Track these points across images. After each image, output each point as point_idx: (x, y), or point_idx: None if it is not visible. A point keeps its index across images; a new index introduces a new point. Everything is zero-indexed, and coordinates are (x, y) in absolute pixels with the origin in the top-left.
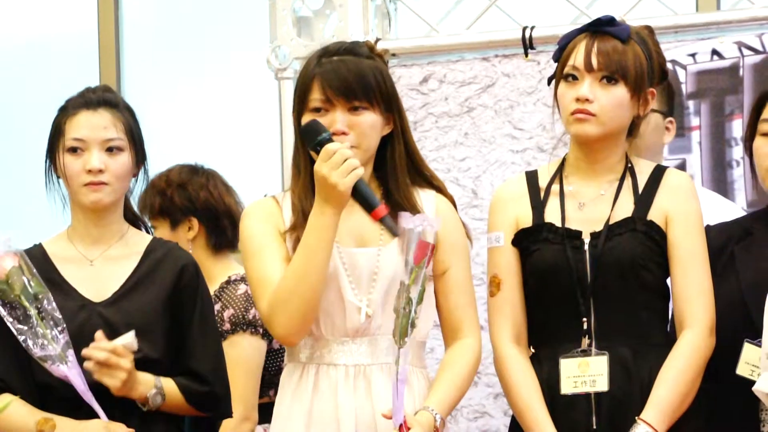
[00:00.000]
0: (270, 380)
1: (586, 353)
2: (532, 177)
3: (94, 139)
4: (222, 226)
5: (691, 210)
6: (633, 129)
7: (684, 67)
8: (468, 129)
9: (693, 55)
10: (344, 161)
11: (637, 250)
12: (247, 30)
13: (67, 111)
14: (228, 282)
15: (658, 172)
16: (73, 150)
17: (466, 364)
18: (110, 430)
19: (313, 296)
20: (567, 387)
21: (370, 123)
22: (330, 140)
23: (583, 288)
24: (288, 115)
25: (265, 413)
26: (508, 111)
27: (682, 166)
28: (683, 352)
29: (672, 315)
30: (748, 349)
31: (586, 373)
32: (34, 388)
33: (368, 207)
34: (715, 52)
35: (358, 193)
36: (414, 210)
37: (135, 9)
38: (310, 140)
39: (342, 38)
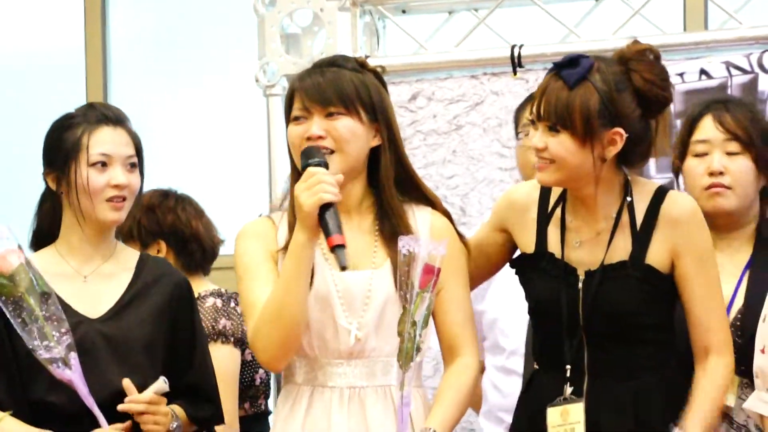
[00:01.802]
0: (243, 393)
1: (566, 401)
2: (544, 195)
3: (118, 156)
4: (189, 250)
5: (699, 241)
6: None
7: (672, 87)
8: (456, 147)
9: (681, 75)
10: (317, 183)
11: (630, 297)
12: (236, 47)
13: (84, 125)
14: (197, 298)
15: (657, 200)
16: (100, 164)
17: (466, 384)
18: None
19: (292, 324)
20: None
21: (348, 128)
22: (317, 165)
23: (573, 330)
24: (276, 132)
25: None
26: (496, 129)
27: (670, 186)
28: (719, 372)
29: (686, 341)
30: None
31: (566, 420)
32: (26, 406)
33: (325, 233)
34: (703, 71)
35: (321, 219)
36: (404, 224)
37: (122, 24)
38: (303, 162)
39: (330, 54)
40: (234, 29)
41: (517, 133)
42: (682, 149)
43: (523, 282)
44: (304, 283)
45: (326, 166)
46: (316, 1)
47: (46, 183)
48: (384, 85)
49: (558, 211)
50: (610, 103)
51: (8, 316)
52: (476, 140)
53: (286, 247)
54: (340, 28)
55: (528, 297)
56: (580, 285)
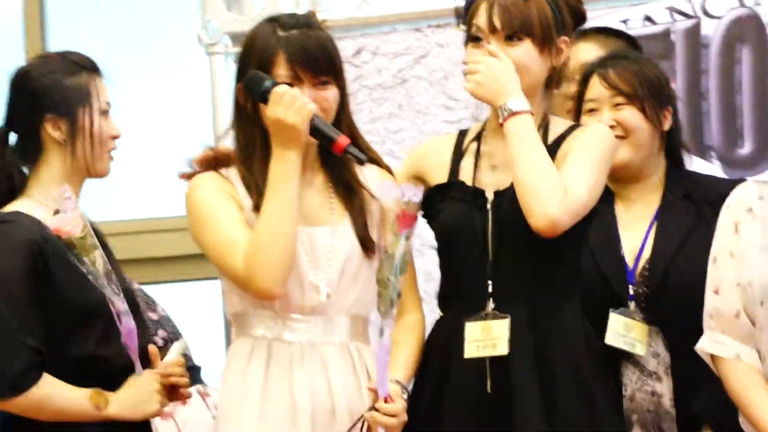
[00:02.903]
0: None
1: (489, 317)
2: (462, 134)
3: (110, 106)
4: None
5: (588, 138)
6: (555, 81)
7: None
8: (402, 101)
9: (625, 22)
10: (294, 100)
11: None
12: (178, 6)
13: (86, 72)
14: None
15: (574, 128)
16: (105, 113)
17: (419, 339)
18: (157, 379)
19: (290, 244)
20: (470, 351)
21: (335, 98)
22: (275, 85)
23: (486, 249)
24: (220, 92)
25: None
26: (442, 81)
27: None
28: None
29: None
30: (614, 319)
31: (488, 336)
32: (66, 362)
33: (328, 141)
34: (647, 17)
35: (315, 130)
36: (357, 181)
37: None
38: (254, 90)
39: (273, 12)
40: None
41: None
42: (578, 107)
43: (431, 215)
44: (296, 200)
45: (276, 83)
46: None
47: (37, 132)
48: None
49: (473, 144)
50: (559, 12)
51: (84, 270)
52: (422, 94)
53: (257, 208)
54: None
55: (436, 227)
56: (489, 206)
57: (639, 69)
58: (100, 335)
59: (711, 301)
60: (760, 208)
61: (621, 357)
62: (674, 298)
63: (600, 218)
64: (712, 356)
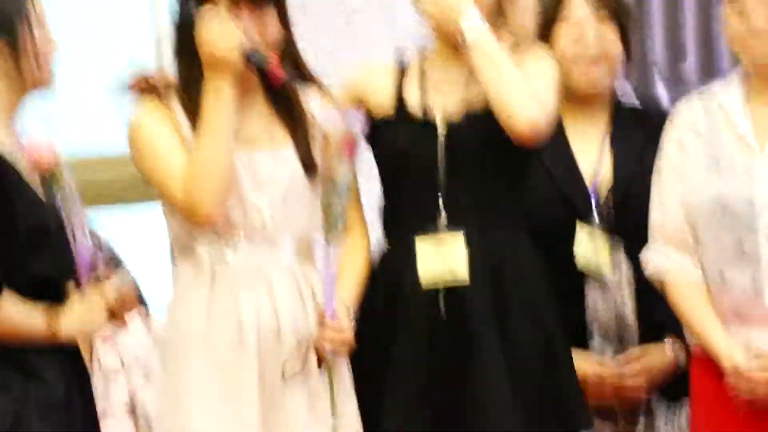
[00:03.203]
0: None
1: (441, 231)
2: (400, 60)
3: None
4: None
5: (541, 55)
6: (506, 7)
7: None
8: (344, 30)
9: None
10: (224, 29)
11: (488, 135)
12: None
13: None
14: None
15: (515, 46)
16: (41, 23)
17: (364, 262)
18: (104, 298)
19: (228, 169)
20: (426, 276)
21: (275, 25)
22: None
23: (436, 175)
24: (163, 19)
25: None
26: (388, 12)
27: None
28: None
29: None
30: (580, 233)
31: (443, 256)
32: (21, 283)
33: (263, 68)
34: None
35: (249, 60)
36: (299, 105)
37: None
38: (188, 19)
39: None
40: None
41: None
42: (549, 18)
43: (375, 140)
44: (231, 130)
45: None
46: None
47: None
48: None
49: (417, 69)
50: None
51: (49, 191)
52: (368, 25)
53: None
54: None
55: (382, 152)
56: (440, 132)
57: None
58: (53, 257)
59: (655, 215)
60: (704, 124)
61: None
62: (638, 212)
63: (551, 140)
64: (656, 267)
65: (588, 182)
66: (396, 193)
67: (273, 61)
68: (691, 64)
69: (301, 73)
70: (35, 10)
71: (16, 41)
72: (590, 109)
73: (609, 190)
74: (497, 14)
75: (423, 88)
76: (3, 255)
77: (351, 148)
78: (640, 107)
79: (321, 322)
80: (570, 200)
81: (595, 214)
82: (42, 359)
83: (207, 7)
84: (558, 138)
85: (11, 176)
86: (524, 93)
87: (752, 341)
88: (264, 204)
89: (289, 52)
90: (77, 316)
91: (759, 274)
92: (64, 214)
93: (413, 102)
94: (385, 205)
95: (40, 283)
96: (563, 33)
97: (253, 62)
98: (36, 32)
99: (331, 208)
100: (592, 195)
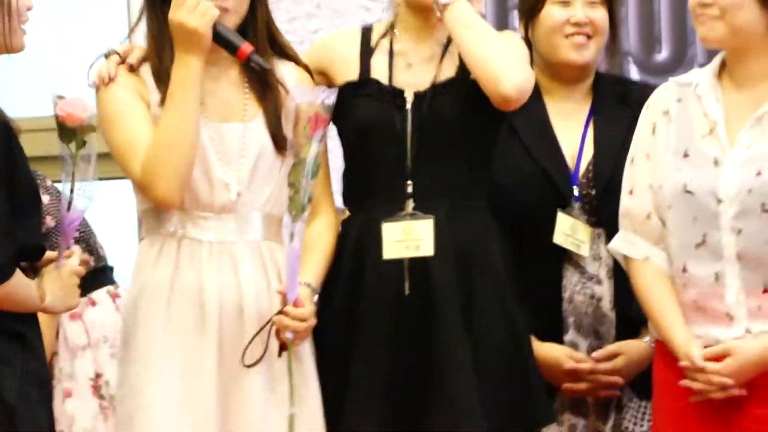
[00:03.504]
0: None
1: (410, 216)
2: (366, 31)
3: None
4: None
5: (506, 35)
6: None
7: None
8: (320, 0)
9: None
10: (197, 4)
11: (459, 108)
12: None
13: None
14: None
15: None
16: None
17: (331, 239)
18: (77, 273)
19: (190, 152)
20: (390, 252)
21: None
22: None
23: (405, 148)
24: None
25: None
26: None
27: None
28: None
29: None
30: (561, 219)
31: (410, 237)
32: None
33: (232, 48)
34: None
35: (218, 37)
36: (276, 82)
37: None
38: None
39: None
40: None
41: None
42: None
43: (341, 112)
44: (197, 107)
45: None
46: None
47: None
48: None
49: (384, 42)
50: None
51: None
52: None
53: (164, 102)
54: None
55: (348, 125)
56: (409, 106)
57: None
58: (38, 222)
59: (625, 202)
60: (677, 111)
61: (561, 258)
62: (619, 200)
63: (530, 112)
64: (624, 256)
65: (570, 164)
66: (360, 165)
67: (240, 40)
68: (664, 54)
69: (275, 46)
70: None
71: None
72: (574, 88)
73: (590, 175)
74: None
75: (391, 59)
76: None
77: (320, 125)
78: (626, 92)
79: (283, 310)
80: (552, 182)
81: (575, 200)
82: (33, 332)
83: None
84: (540, 117)
85: (14, 144)
86: (508, 56)
87: (711, 336)
88: (231, 179)
89: (263, 22)
90: (56, 289)
91: (721, 269)
92: (66, 179)
93: (380, 73)
94: (347, 176)
95: (32, 251)
96: (551, 4)
97: (221, 39)
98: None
99: (297, 185)
100: (573, 179)
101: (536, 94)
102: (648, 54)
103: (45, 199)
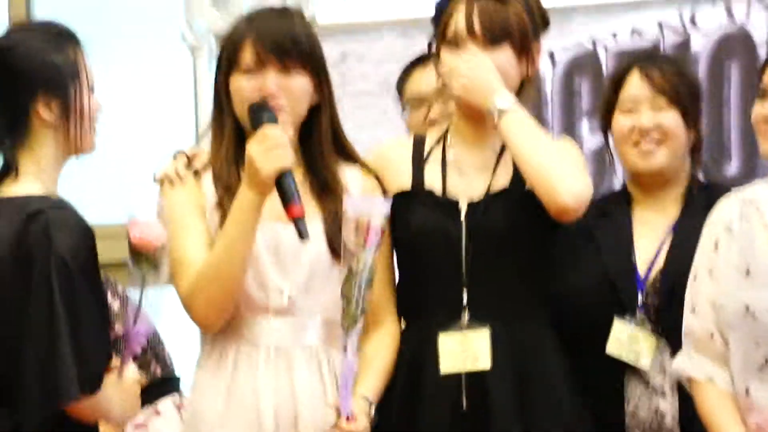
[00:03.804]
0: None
1: (466, 327)
2: (419, 139)
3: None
4: None
5: (563, 144)
6: (521, 91)
7: (604, 47)
8: (387, 108)
9: (614, 35)
10: (276, 148)
11: (514, 218)
12: (162, 3)
13: (72, 44)
14: None
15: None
16: (92, 89)
17: (392, 351)
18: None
19: (232, 285)
20: (447, 365)
21: (301, 86)
22: (271, 123)
23: (460, 258)
24: (203, 91)
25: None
26: None
27: (600, 146)
28: None
29: None
30: (618, 327)
31: (466, 349)
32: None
33: (285, 201)
34: (635, 31)
35: (279, 185)
36: (336, 181)
37: None
38: (255, 120)
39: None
40: None
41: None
42: (610, 106)
43: (396, 221)
44: (249, 244)
45: (275, 121)
46: None
47: (27, 111)
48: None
49: (437, 151)
50: (532, 16)
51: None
52: None
53: (219, 205)
54: None
55: (402, 235)
56: (463, 216)
57: (681, 71)
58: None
59: (688, 319)
60: (740, 228)
61: (625, 369)
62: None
63: (613, 220)
64: (687, 377)
65: (641, 272)
66: (416, 275)
67: (296, 198)
68: (734, 167)
69: (342, 150)
70: (87, 75)
71: (68, 102)
72: (660, 195)
73: (657, 284)
74: (519, 99)
75: (444, 168)
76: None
77: (374, 235)
78: (718, 189)
79: (336, 425)
80: (615, 286)
81: (639, 309)
82: None
83: (271, 113)
84: (620, 223)
85: (95, 249)
86: (565, 165)
87: None
88: (285, 283)
89: (329, 125)
90: (119, 398)
91: None
92: (137, 293)
93: (433, 182)
94: (402, 286)
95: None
96: (619, 112)
97: (281, 188)
98: (86, 97)
99: (349, 297)
100: (639, 288)
101: (624, 203)
102: (718, 167)
103: (115, 305)
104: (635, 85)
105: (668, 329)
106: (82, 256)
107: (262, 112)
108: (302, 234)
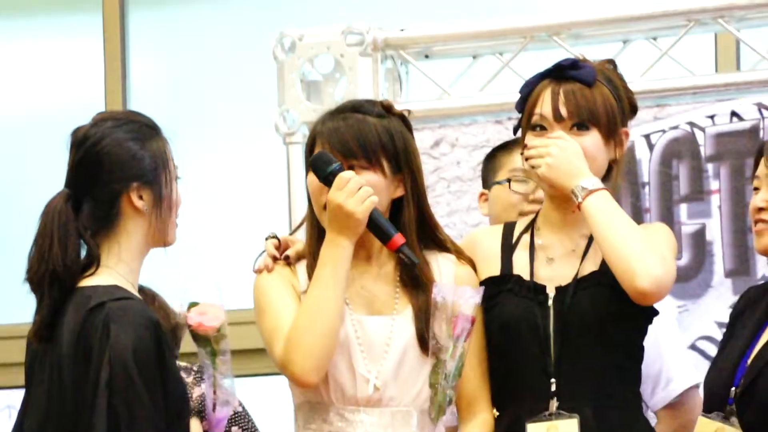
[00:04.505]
0: None
1: (554, 416)
2: (509, 227)
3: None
4: None
5: (659, 227)
6: (609, 174)
7: (702, 129)
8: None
9: (711, 117)
10: (359, 188)
11: (603, 304)
12: (256, 94)
13: (158, 135)
14: None
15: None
16: (176, 180)
17: None
18: None
19: (330, 332)
20: None
21: (370, 183)
22: (342, 169)
23: (548, 345)
24: (296, 181)
25: None
26: None
27: (701, 231)
28: None
29: None
30: (702, 423)
31: None
32: None
33: (384, 237)
34: (734, 113)
35: (372, 223)
36: (426, 273)
37: (142, 72)
38: (320, 171)
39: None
40: (254, 76)
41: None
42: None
43: (485, 307)
44: (342, 289)
45: (343, 167)
46: (336, 46)
47: (118, 201)
48: (410, 129)
49: (525, 237)
50: (620, 101)
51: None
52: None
53: None
54: (362, 74)
55: (493, 320)
56: (551, 302)
57: None
58: (186, 425)
59: None
60: None
61: None
62: (762, 406)
63: (757, 308)
64: None
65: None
66: (505, 363)
67: (394, 229)
68: None
69: (434, 239)
70: (173, 167)
71: (160, 191)
72: None
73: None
74: (606, 183)
75: (532, 254)
76: (164, 428)
77: (463, 325)
78: None
79: None
80: (713, 383)
81: (729, 401)
82: None
83: (338, 161)
84: (759, 315)
85: (165, 345)
86: (645, 249)
87: None
88: (371, 373)
89: (408, 214)
90: None
91: None
92: (208, 380)
93: (522, 269)
94: (493, 374)
95: None
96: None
97: (376, 226)
98: (174, 188)
99: (436, 386)
100: (734, 384)
101: None
102: None
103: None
104: (762, 166)
105: (745, 423)
106: (141, 350)
107: (327, 161)
108: (411, 259)
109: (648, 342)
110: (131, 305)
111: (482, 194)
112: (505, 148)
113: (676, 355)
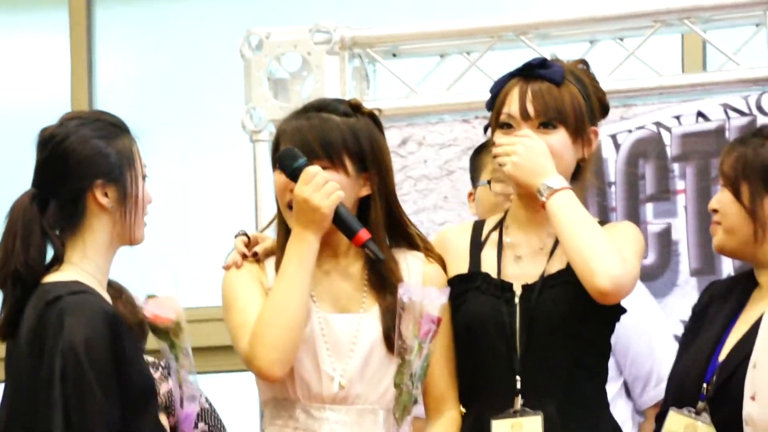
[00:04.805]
0: None
1: (519, 413)
2: (478, 225)
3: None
4: None
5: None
6: (578, 173)
7: (668, 130)
8: (448, 192)
9: (677, 118)
10: (325, 183)
11: (569, 302)
12: (223, 91)
13: (126, 135)
14: None
15: (601, 223)
16: (144, 178)
17: None
18: None
19: (294, 326)
20: None
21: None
22: (309, 164)
23: (514, 343)
24: (263, 179)
25: None
26: None
27: (667, 231)
28: None
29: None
30: (672, 419)
31: None
32: None
33: (349, 232)
34: (700, 114)
35: (338, 218)
36: (394, 273)
37: (108, 69)
38: (287, 167)
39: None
40: (220, 74)
41: (473, 179)
42: None
43: (452, 305)
44: (308, 283)
45: (309, 162)
46: (303, 45)
47: (83, 198)
48: (380, 128)
49: (494, 235)
50: (589, 100)
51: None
52: (468, 185)
53: None
54: (329, 73)
55: (460, 318)
56: (517, 300)
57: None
58: (154, 418)
59: (747, 408)
60: None
61: None
62: (735, 404)
63: (727, 304)
64: None
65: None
66: (471, 360)
67: (359, 225)
68: None
69: (405, 236)
70: (140, 165)
71: (125, 189)
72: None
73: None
74: (573, 179)
75: (500, 252)
76: (117, 420)
77: (428, 325)
78: None
79: None
80: (686, 378)
81: (701, 397)
82: None
83: (304, 157)
84: (728, 309)
85: (125, 337)
86: (605, 249)
87: None
88: (336, 371)
89: (379, 213)
90: None
91: None
92: (173, 375)
93: (489, 266)
94: (460, 371)
95: None
96: None
97: (341, 221)
98: (140, 185)
99: (401, 387)
100: (705, 380)
101: (750, 282)
102: None
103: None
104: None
105: (720, 421)
106: (94, 342)
107: (294, 157)
108: (377, 255)
109: (639, 342)
110: (87, 299)
111: (470, 194)
112: (487, 147)
113: (667, 355)
